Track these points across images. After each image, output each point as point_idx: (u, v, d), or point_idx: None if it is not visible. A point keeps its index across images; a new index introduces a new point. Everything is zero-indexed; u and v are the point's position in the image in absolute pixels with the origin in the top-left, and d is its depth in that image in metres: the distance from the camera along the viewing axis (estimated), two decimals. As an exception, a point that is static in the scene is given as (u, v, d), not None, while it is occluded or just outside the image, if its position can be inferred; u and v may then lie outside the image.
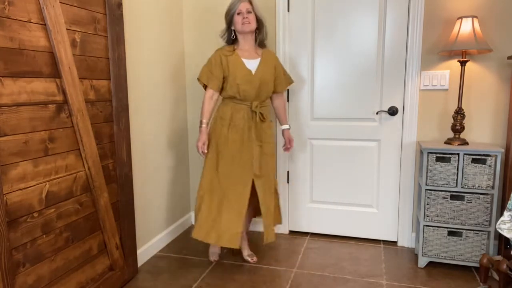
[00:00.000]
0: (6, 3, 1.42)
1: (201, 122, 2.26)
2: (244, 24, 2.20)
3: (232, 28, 2.27)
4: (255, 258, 2.48)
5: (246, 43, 2.28)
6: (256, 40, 2.31)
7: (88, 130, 1.85)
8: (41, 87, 1.59)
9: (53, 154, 1.67)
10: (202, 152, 2.26)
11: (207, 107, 2.27)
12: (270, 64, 2.31)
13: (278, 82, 2.37)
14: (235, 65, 2.23)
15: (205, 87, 2.31)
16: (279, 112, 2.48)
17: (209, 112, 2.29)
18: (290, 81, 2.47)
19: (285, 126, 2.47)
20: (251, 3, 2.24)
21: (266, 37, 2.35)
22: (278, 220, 2.50)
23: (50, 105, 1.65)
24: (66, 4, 1.70)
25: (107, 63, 2.00)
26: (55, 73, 1.66)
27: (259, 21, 2.27)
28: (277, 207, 2.49)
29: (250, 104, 2.27)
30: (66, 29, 1.70)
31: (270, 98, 2.47)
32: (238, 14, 2.21)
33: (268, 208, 2.30)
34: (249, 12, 2.22)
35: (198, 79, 2.31)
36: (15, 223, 1.50)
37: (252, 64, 2.27)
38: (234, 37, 2.29)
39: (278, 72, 2.37)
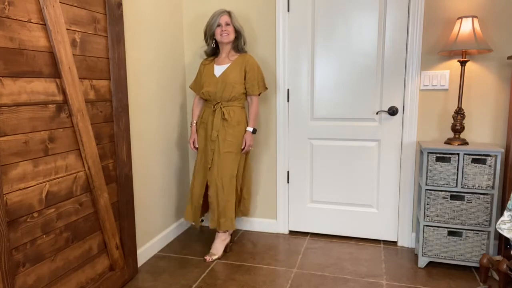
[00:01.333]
0: (6, 3, 1.42)
1: (191, 122, 2.66)
2: (223, 36, 2.46)
3: (214, 37, 2.51)
4: (209, 258, 2.50)
5: (223, 51, 2.55)
6: (234, 48, 2.56)
7: (88, 130, 1.85)
8: (41, 87, 1.59)
9: (53, 154, 1.67)
10: (193, 147, 2.64)
11: (194, 109, 2.68)
12: (238, 68, 2.48)
13: (249, 85, 2.50)
14: (207, 71, 2.55)
15: None
16: (249, 114, 2.56)
17: (196, 113, 2.66)
18: (262, 88, 2.55)
19: (248, 128, 2.53)
20: (230, 15, 2.48)
21: (245, 44, 2.56)
22: (242, 212, 2.74)
23: (50, 105, 1.65)
24: (66, 4, 1.70)
25: (107, 63, 2.00)
26: (55, 73, 1.66)
27: (237, 32, 2.51)
28: (238, 200, 2.67)
29: (215, 103, 2.51)
30: (66, 29, 1.70)
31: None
32: (218, 26, 2.46)
33: (213, 201, 2.50)
34: (227, 24, 2.46)
35: (190, 87, 2.71)
36: (15, 223, 1.50)
37: (220, 69, 2.51)
38: (215, 45, 2.56)
39: (250, 76, 2.49)
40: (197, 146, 2.61)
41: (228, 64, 2.50)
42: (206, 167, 2.54)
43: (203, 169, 2.57)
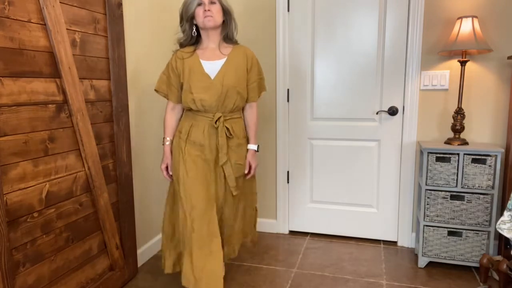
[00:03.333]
0: (6, 3, 1.42)
1: (163, 140, 1.97)
2: (206, 17, 1.78)
3: (194, 22, 1.85)
4: None
5: (209, 40, 1.88)
6: (224, 37, 1.92)
7: (88, 130, 1.85)
8: (41, 87, 1.59)
9: (53, 154, 1.67)
10: (167, 175, 1.97)
11: (168, 121, 1.96)
12: (238, 65, 1.86)
13: (250, 88, 1.92)
14: (191, 69, 1.84)
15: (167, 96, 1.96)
16: (248, 126, 2.00)
17: (171, 127, 1.96)
18: (262, 89, 2.01)
19: (250, 146, 1.98)
20: None
21: (235, 31, 1.93)
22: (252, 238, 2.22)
23: (50, 105, 1.65)
24: (66, 4, 1.70)
25: (107, 63, 1.99)
26: (55, 73, 1.66)
27: (226, 13, 1.86)
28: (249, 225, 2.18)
29: (213, 116, 1.85)
30: (66, 29, 1.70)
31: (243, 109, 2.02)
32: (199, 5, 1.79)
33: (237, 234, 2.07)
34: (212, 2, 1.80)
35: (156, 90, 1.96)
36: (15, 223, 1.50)
37: (213, 66, 1.85)
38: (196, 33, 1.89)
39: (252, 75, 1.91)
40: (171, 174, 1.95)
41: (223, 60, 1.86)
42: (212, 201, 1.86)
43: (205, 202, 1.82)
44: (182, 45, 1.93)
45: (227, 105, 1.85)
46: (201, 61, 1.86)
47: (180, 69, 1.87)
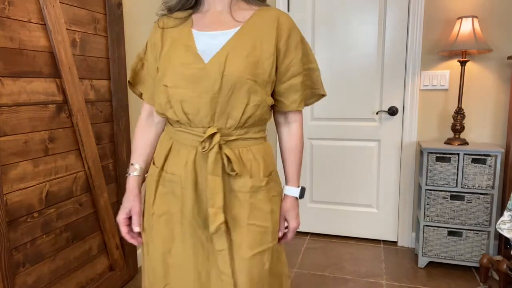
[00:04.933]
0: (6, 3, 1.42)
1: (128, 168, 1.13)
2: None
3: None
4: None
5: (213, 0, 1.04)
6: None
7: (88, 130, 1.85)
8: (41, 87, 1.59)
9: (53, 154, 1.67)
10: (129, 237, 1.10)
11: (140, 136, 1.16)
12: (261, 39, 1.00)
13: (288, 86, 1.05)
14: (173, 44, 1.03)
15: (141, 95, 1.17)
16: (284, 159, 1.14)
17: (143, 146, 1.15)
18: (318, 92, 1.12)
19: (289, 190, 1.12)
20: None
21: None
22: None
23: (50, 105, 1.64)
24: (66, 4, 1.70)
25: (107, 63, 1.99)
26: (55, 73, 1.66)
27: None
28: None
29: (203, 133, 1.00)
30: (66, 29, 1.70)
31: (276, 125, 1.15)
32: None
33: None
34: None
35: (129, 82, 1.18)
36: (15, 223, 1.50)
37: (212, 40, 1.01)
38: None
39: (290, 60, 1.03)
40: (138, 231, 1.10)
41: (234, 31, 1.01)
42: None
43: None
44: (170, 9, 1.09)
45: (230, 112, 0.98)
46: (193, 31, 1.02)
47: (159, 45, 1.06)
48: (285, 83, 1.05)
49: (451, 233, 2.29)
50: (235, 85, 0.96)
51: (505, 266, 1.95)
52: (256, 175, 1.03)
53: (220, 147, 0.98)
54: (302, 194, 1.12)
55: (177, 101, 0.98)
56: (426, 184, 2.29)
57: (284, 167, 1.14)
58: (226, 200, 1.00)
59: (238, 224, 1.01)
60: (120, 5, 2.04)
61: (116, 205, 2.12)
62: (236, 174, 1.00)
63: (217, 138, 0.97)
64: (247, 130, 1.03)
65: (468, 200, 2.23)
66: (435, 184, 2.28)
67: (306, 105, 1.11)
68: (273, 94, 1.07)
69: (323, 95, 1.13)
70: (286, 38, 1.02)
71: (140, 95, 1.19)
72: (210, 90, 0.96)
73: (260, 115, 1.02)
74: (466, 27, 2.20)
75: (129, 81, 1.17)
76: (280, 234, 1.10)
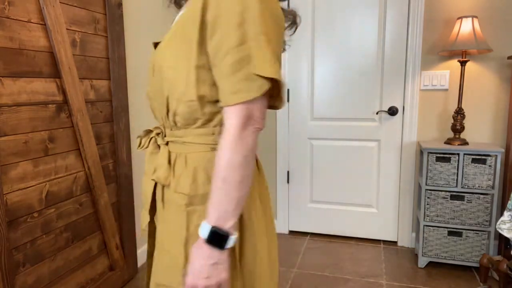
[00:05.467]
0: (6, 3, 1.42)
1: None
2: None
3: None
4: None
5: None
6: None
7: (88, 130, 1.85)
8: (41, 87, 1.59)
9: (53, 154, 1.67)
10: None
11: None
12: (187, 19, 0.80)
13: (218, 71, 0.76)
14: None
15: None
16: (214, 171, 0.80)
17: None
18: (265, 81, 0.73)
19: (201, 227, 0.76)
20: None
21: None
22: None
23: (50, 105, 1.64)
24: (66, 4, 1.70)
25: (107, 63, 1.99)
26: (55, 73, 1.66)
27: None
28: None
29: (161, 130, 0.93)
30: (66, 29, 1.70)
31: None
32: None
33: None
34: None
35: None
36: (15, 223, 1.50)
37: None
38: None
39: (216, 39, 0.74)
40: None
41: (179, 14, 0.86)
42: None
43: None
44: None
45: (162, 109, 0.87)
46: (179, 14, 0.87)
47: None
48: (214, 67, 0.77)
49: (451, 233, 2.29)
50: (164, 78, 0.83)
51: (505, 266, 1.95)
52: (181, 190, 0.83)
53: (158, 147, 0.90)
54: (215, 238, 0.73)
55: (148, 98, 0.93)
56: (426, 184, 2.29)
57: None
58: (160, 213, 0.90)
59: (159, 240, 0.89)
60: (120, 5, 2.04)
61: (116, 205, 2.12)
62: (166, 182, 0.85)
63: (161, 135, 0.91)
64: (186, 132, 0.84)
65: (468, 200, 2.23)
66: (435, 184, 2.28)
67: (230, 103, 0.74)
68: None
69: (243, 98, 0.73)
70: (211, 11, 0.74)
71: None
72: (154, 82, 0.87)
73: (191, 111, 0.81)
74: (466, 27, 2.20)
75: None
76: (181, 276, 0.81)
